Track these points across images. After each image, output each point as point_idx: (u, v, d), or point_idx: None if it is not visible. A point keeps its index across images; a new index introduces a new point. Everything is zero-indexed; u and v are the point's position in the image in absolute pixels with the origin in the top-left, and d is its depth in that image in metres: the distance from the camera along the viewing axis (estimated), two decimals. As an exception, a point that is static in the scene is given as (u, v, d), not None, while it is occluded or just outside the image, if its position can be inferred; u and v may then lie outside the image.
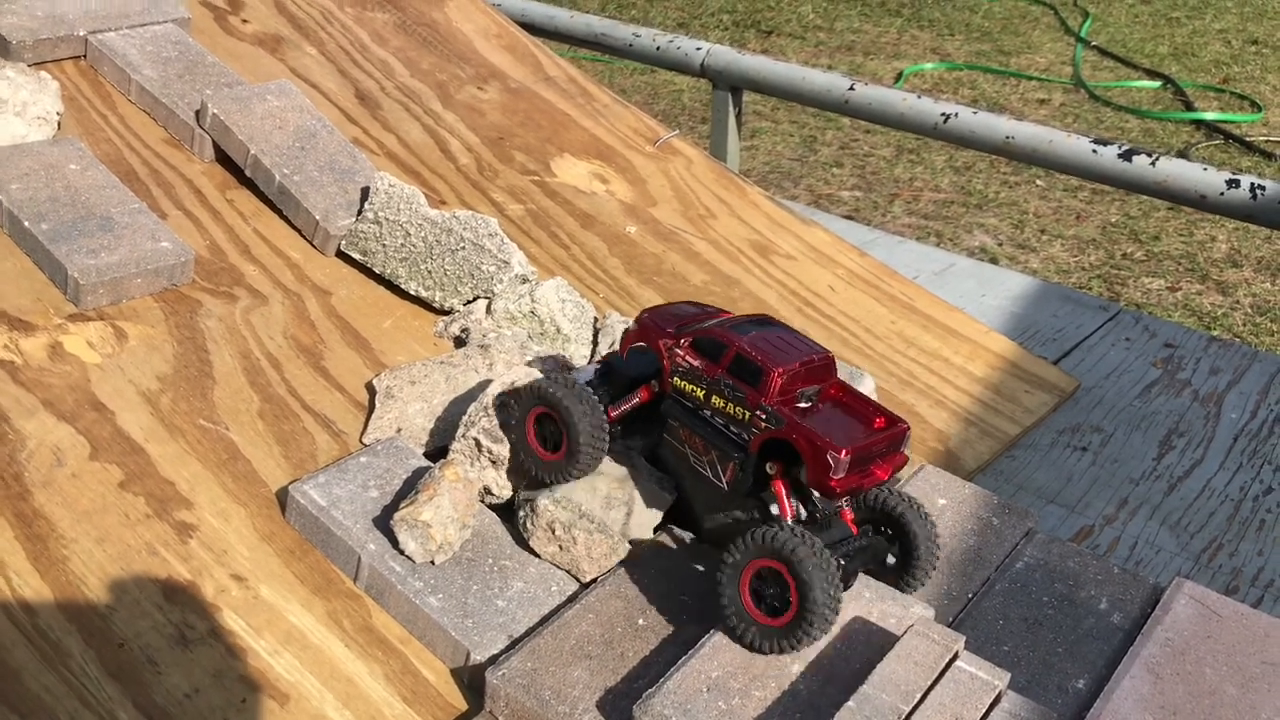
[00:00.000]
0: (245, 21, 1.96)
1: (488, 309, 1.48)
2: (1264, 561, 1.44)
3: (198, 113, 1.64)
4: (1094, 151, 1.98)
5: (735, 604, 1.04)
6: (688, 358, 1.13)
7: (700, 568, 1.18)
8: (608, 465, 1.21)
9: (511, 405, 1.21)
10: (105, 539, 1.12)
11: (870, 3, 7.60)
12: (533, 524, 1.18)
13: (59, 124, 1.59)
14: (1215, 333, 3.71)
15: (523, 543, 1.19)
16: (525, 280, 1.49)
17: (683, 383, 1.14)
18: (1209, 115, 5.88)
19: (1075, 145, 1.99)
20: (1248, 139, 5.58)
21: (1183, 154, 5.35)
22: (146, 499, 1.17)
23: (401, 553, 1.14)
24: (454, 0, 2.22)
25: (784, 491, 1.08)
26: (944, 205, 4.67)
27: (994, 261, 4.20)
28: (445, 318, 1.50)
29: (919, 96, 2.15)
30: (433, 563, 1.14)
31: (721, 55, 2.38)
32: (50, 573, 1.08)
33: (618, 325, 1.50)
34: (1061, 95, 6.02)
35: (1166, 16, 7.59)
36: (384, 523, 1.16)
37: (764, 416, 1.07)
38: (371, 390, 1.37)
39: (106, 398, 1.27)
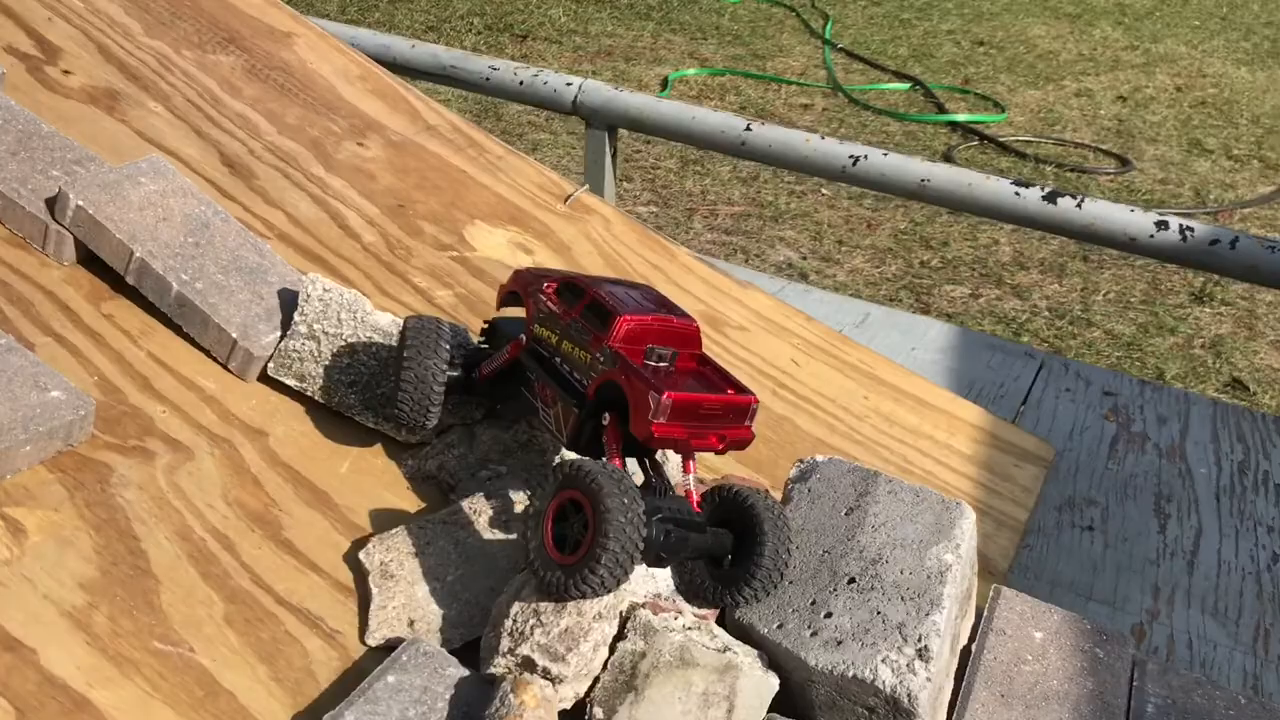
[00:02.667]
0: (67, 73, 1.58)
1: (470, 440, 1.22)
2: (1311, 643, 1.38)
3: (51, 203, 1.28)
4: (1016, 194, 1.90)
5: (538, 541, 0.97)
6: (549, 302, 1.11)
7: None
8: (702, 654, 0.98)
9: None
10: None
11: (620, 6, 7.50)
12: (629, 740, 0.94)
13: None
14: (1025, 340, 3.82)
15: (614, 762, 0.95)
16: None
17: (541, 329, 1.12)
18: (961, 117, 6.12)
19: (996, 189, 1.90)
20: (1000, 139, 5.83)
21: (948, 157, 5.53)
22: (115, 776, 0.86)
23: (484, 809, 0.88)
24: (302, 38, 1.89)
25: (615, 444, 1.01)
26: (741, 219, 4.61)
27: (804, 277, 4.17)
28: (415, 452, 1.23)
29: (823, 138, 2.01)
30: (525, 815, 0.88)
31: (596, 92, 2.15)
32: None
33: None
34: (822, 99, 6.12)
35: (898, 18, 7.90)
36: (450, 767, 0.89)
37: (602, 360, 1.03)
38: (357, 567, 1.08)
39: (18, 628, 0.93)
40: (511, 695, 0.91)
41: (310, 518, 1.12)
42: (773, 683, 1.00)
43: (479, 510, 1.12)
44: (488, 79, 2.22)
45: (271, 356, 1.23)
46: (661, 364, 1.05)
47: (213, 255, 1.28)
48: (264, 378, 1.24)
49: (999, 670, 1.10)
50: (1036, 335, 3.88)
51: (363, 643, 1.03)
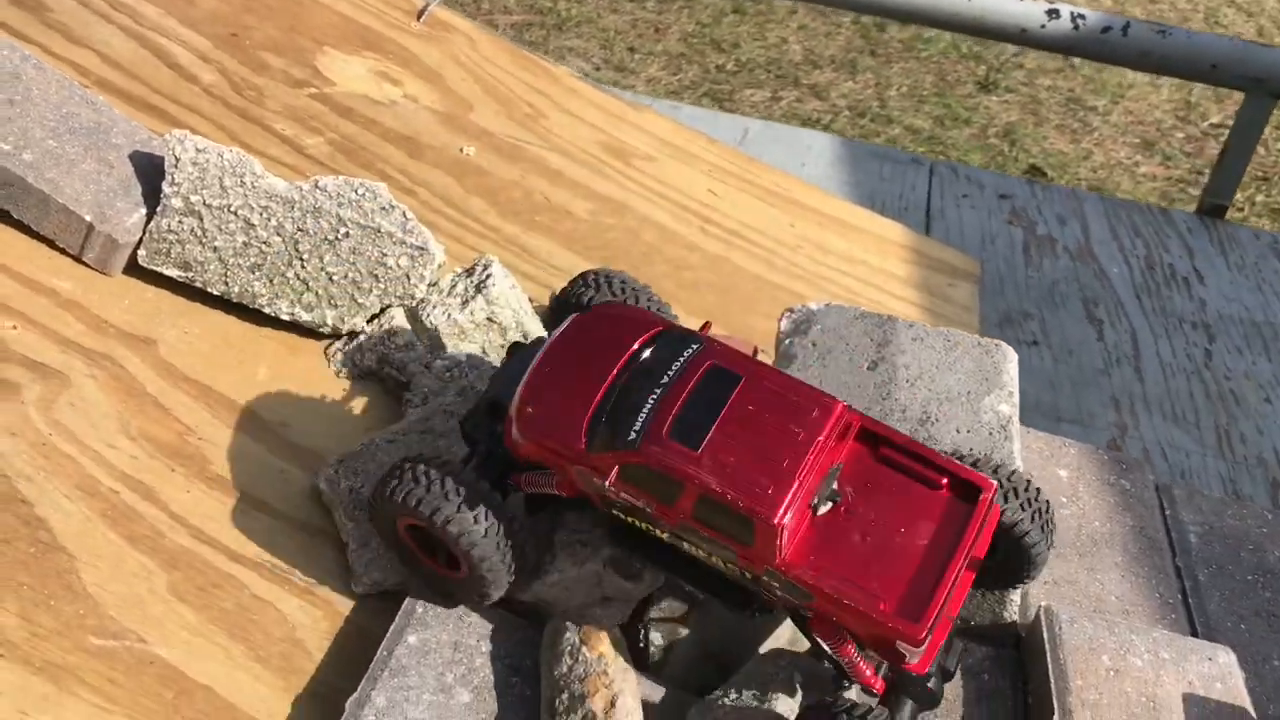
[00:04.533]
0: None
1: (415, 323, 1.00)
2: (1270, 441, 1.38)
3: None
4: (904, -12, 1.76)
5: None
6: (622, 494, 0.71)
7: None
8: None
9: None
10: None
11: None
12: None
13: None
14: (831, 134, 3.76)
15: None
16: (463, 272, 1.02)
17: (629, 518, 0.73)
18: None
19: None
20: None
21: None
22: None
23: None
24: None
25: (853, 653, 0.71)
26: (523, 29, 4.29)
27: (604, 85, 3.94)
28: (343, 343, 1.00)
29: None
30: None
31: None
32: None
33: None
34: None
35: None
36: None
37: (778, 586, 0.70)
38: (317, 499, 0.87)
39: (-99, 651, 0.68)
40: (585, 649, 0.74)
41: (239, 443, 0.89)
42: None
43: (454, 412, 0.91)
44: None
45: (140, 242, 0.96)
46: (834, 504, 0.71)
47: (35, 115, 0.98)
48: (134, 268, 0.98)
49: (1045, 520, 1.01)
50: (842, 135, 3.82)
51: (352, 591, 0.83)
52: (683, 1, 4.66)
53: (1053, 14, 1.74)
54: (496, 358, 1.01)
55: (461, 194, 1.28)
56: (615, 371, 0.73)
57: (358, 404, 0.97)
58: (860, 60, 4.33)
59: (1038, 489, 0.78)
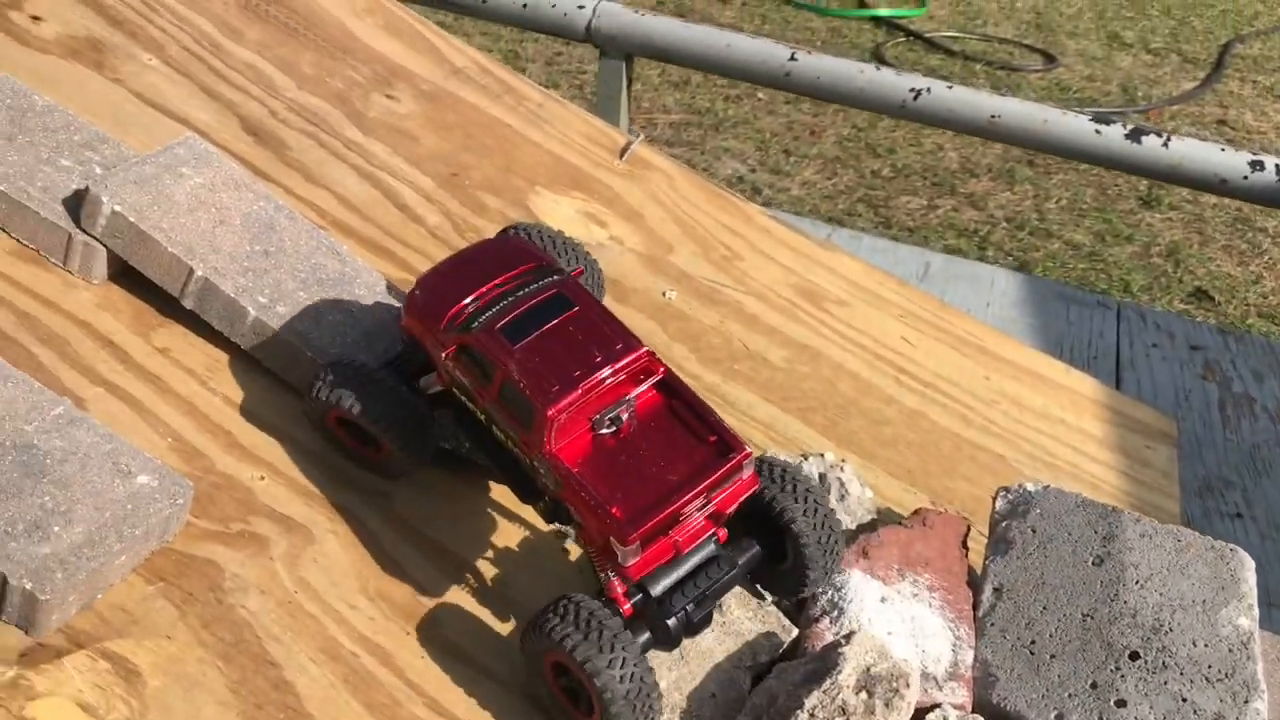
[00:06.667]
0: (36, 19, 1.27)
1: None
2: None
3: (71, 205, 1.00)
4: (1097, 133, 1.74)
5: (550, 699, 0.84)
6: (456, 370, 0.88)
7: None
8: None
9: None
10: None
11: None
12: None
13: None
14: (989, 253, 3.71)
15: None
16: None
17: (462, 396, 0.89)
18: (883, 11, 5.93)
19: (1074, 126, 1.74)
20: (927, 35, 5.68)
21: (878, 56, 5.36)
22: None
23: None
24: (293, -40, 1.59)
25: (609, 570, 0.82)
26: (680, 129, 4.37)
27: (758, 193, 3.98)
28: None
29: (878, 68, 1.80)
30: None
31: (614, 16, 1.89)
32: None
33: (829, 473, 1.08)
34: (741, -7, 5.85)
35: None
36: None
37: (542, 472, 0.83)
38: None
39: (167, 819, 0.71)
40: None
41: (467, 604, 0.91)
42: (1070, 790, 0.85)
43: (679, 588, 0.92)
44: (485, 1, 1.93)
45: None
46: (614, 429, 0.83)
47: (288, 266, 1.03)
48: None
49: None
50: (1000, 248, 3.78)
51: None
52: (840, 106, 4.69)
53: (1257, 165, 1.70)
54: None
55: (665, 340, 1.30)
56: (491, 284, 0.88)
57: (553, 555, 0.98)
58: (1018, 170, 4.29)
59: (812, 484, 0.89)
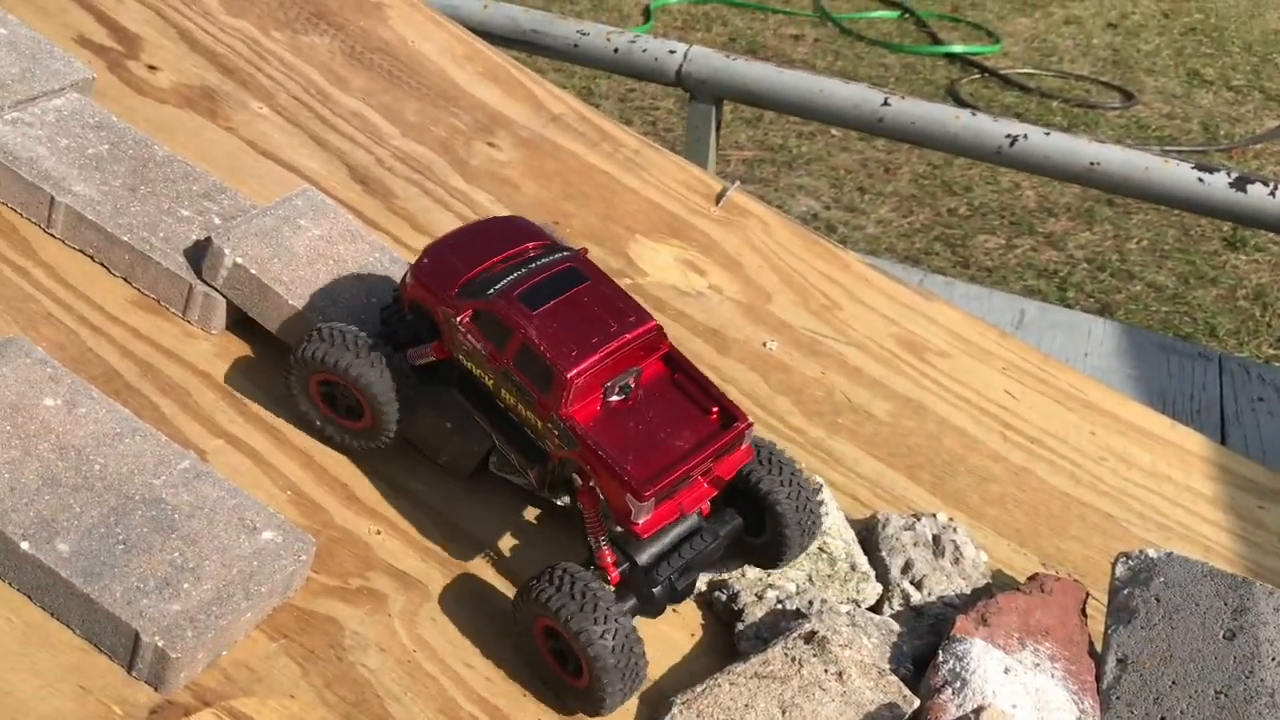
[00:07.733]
0: (153, 68, 1.29)
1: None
2: None
3: (192, 255, 1.02)
4: (1200, 181, 1.70)
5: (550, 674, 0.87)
6: (469, 337, 0.88)
7: None
8: None
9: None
10: None
11: (591, -72, 7.13)
12: None
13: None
14: (1070, 294, 3.66)
15: None
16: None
17: (468, 362, 0.90)
18: (957, 48, 5.90)
19: (1176, 175, 1.70)
20: (1001, 72, 5.63)
21: (953, 93, 5.32)
22: None
23: None
24: (394, 9, 1.61)
25: (595, 515, 0.87)
26: (754, 166, 4.36)
27: (831, 230, 3.96)
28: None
29: (974, 114, 1.78)
30: None
31: (705, 60, 1.89)
32: None
33: (900, 534, 1.06)
34: (811, 29, 5.85)
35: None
36: None
37: (557, 432, 0.85)
38: (659, 733, 0.87)
39: None
40: None
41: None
42: None
43: (798, 659, 0.90)
44: (576, 45, 1.95)
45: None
46: (624, 397, 0.87)
47: (402, 319, 1.03)
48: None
49: None
50: (1082, 290, 3.72)
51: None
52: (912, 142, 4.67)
53: (1368, 217, 1.65)
54: (824, 587, 1.00)
55: (768, 392, 1.28)
56: (502, 256, 0.91)
57: (688, 631, 0.96)
58: (1097, 209, 4.23)
59: (795, 465, 0.93)
